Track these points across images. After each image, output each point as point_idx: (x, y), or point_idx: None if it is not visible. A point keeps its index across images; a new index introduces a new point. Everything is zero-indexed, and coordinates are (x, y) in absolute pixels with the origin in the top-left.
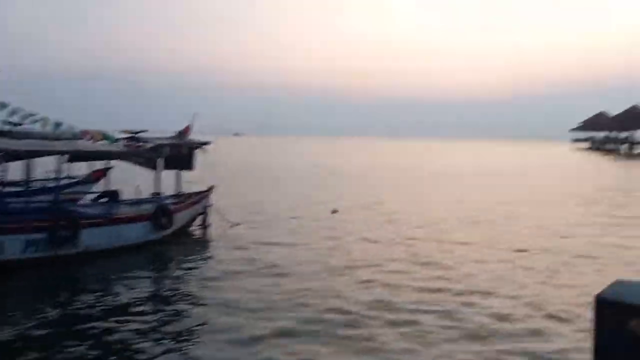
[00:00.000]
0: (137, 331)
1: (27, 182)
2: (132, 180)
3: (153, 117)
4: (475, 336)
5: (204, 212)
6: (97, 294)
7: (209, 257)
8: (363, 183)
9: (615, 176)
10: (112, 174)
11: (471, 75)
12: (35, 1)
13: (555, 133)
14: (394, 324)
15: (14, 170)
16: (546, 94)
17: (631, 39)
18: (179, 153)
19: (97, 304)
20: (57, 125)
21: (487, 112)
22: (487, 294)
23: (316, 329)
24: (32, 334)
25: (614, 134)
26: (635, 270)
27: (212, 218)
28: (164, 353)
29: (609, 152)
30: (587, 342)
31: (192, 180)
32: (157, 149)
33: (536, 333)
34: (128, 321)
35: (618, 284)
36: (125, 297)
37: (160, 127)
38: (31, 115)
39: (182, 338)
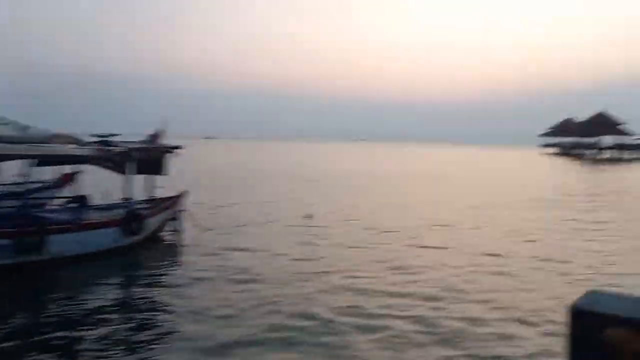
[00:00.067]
0: (105, 340)
1: None
2: (101, 185)
3: (125, 120)
4: (447, 341)
5: (175, 218)
6: (64, 301)
7: (180, 264)
8: (336, 187)
9: (582, 181)
10: (82, 179)
11: (441, 80)
12: None
13: (524, 138)
14: (365, 329)
15: None
16: (515, 100)
17: (600, 48)
18: (150, 157)
19: (64, 312)
20: (26, 128)
21: (457, 117)
22: (457, 298)
23: (287, 336)
24: None
25: (581, 140)
26: (602, 274)
27: (184, 223)
28: None
29: (576, 157)
30: (555, 346)
31: (163, 185)
32: (128, 153)
33: (506, 337)
34: (95, 330)
35: (592, 293)
36: (93, 304)
37: (132, 131)
38: None
39: (151, 347)
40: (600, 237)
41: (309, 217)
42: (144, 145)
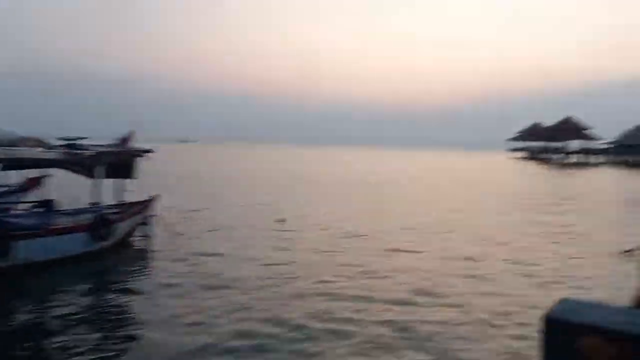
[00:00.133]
0: (72, 349)
1: None
2: (69, 189)
3: (94, 123)
4: (419, 345)
5: (146, 223)
6: (30, 309)
7: (150, 270)
8: (309, 191)
9: (550, 185)
10: (49, 183)
11: (412, 86)
12: None
13: (494, 143)
14: (338, 335)
15: None
16: (484, 105)
17: (567, 56)
18: (120, 161)
19: (30, 320)
20: None
21: (428, 123)
22: (429, 302)
23: (258, 343)
24: None
25: (549, 144)
26: (569, 277)
27: (155, 228)
28: None
29: (544, 161)
30: (524, 350)
31: (133, 189)
32: (97, 156)
33: (476, 341)
34: (62, 338)
35: (565, 302)
36: (60, 312)
37: (101, 134)
38: None
39: (119, 356)
40: (567, 240)
41: (282, 221)
42: (113, 149)
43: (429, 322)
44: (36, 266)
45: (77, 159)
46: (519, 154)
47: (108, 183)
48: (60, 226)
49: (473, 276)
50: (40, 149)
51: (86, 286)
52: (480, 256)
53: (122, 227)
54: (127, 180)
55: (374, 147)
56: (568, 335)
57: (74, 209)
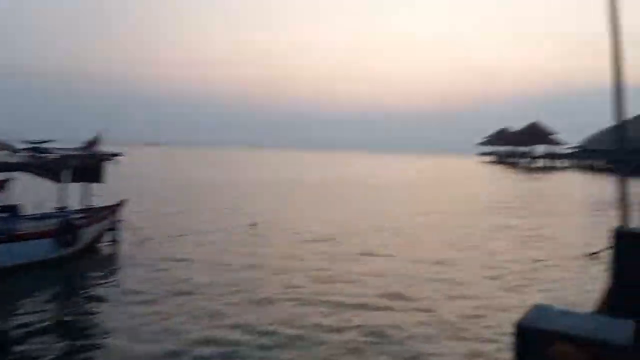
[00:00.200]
0: (33, 358)
1: None
2: (34, 194)
3: (60, 126)
4: (389, 352)
5: (113, 228)
6: None
7: (117, 276)
8: (281, 195)
9: (516, 188)
10: (13, 187)
11: (385, 90)
12: None
13: (464, 147)
14: (306, 341)
15: None
16: (456, 109)
17: (535, 62)
18: (87, 165)
19: None
20: None
21: (399, 126)
22: (399, 306)
23: (225, 351)
24: None
25: (516, 149)
26: (536, 280)
27: (123, 234)
28: None
29: (511, 165)
30: (489, 353)
31: (101, 194)
32: (63, 160)
33: (446, 345)
34: (24, 347)
35: (537, 309)
36: (23, 320)
37: (67, 137)
38: None
39: None
40: (535, 244)
41: (253, 225)
42: (80, 152)
43: (399, 327)
44: (1, 272)
45: (42, 162)
46: (488, 158)
47: (75, 187)
48: (26, 231)
49: (443, 280)
50: (3, 153)
51: (52, 292)
52: (450, 260)
53: (89, 233)
54: (95, 185)
55: (341, 151)
56: (539, 342)
57: (40, 214)
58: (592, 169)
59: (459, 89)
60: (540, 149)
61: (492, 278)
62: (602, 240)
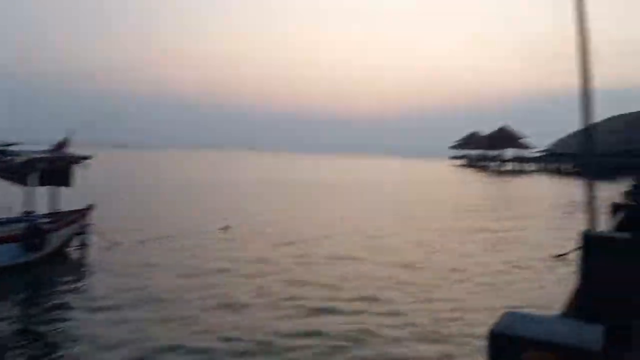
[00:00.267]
0: None
1: None
2: (0, 198)
3: (28, 127)
4: (356, 357)
5: (82, 232)
6: None
7: (85, 282)
8: (255, 197)
9: (487, 192)
10: None
11: (357, 95)
12: None
13: (435, 150)
14: (272, 346)
15: None
16: (428, 113)
17: (505, 68)
18: (55, 168)
19: None
20: None
21: (370, 129)
22: (368, 310)
23: (189, 359)
24: None
25: (486, 152)
26: (507, 283)
27: (92, 238)
28: None
29: (481, 168)
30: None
31: (70, 198)
32: (30, 163)
33: (416, 348)
34: None
35: (509, 316)
36: None
37: (35, 139)
38: None
39: None
40: (504, 246)
41: (225, 228)
42: (48, 155)
43: (370, 330)
44: None
45: (8, 165)
46: (459, 162)
47: (42, 191)
48: None
49: (413, 283)
50: None
51: (17, 299)
52: (419, 262)
53: (57, 237)
54: (63, 188)
55: (315, 154)
56: (513, 349)
57: (6, 218)
58: (560, 172)
59: (430, 93)
60: (509, 152)
61: (462, 280)
62: (569, 242)
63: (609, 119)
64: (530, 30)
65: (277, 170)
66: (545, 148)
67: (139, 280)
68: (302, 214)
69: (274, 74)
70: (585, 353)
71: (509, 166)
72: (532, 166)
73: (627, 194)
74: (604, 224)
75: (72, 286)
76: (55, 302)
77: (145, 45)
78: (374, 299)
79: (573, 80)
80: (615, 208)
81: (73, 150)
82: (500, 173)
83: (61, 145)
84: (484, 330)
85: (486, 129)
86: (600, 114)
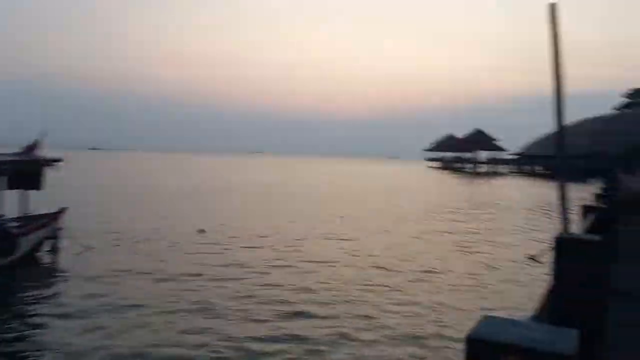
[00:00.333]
0: None
1: None
2: None
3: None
4: None
5: (53, 236)
6: None
7: (55, 288)
8: (231, 201)
9: (462, 193)
10: None
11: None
12: None
13: (412, 153)
14: (242, 352)
15: None
16: (403, 116)
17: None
18: (25, 170)
19: None
20: None
21: (348, 132)
22: (338, 314)
23: None
24: None
25: (461, 154)
26: (480, 284)
27: (63, 242)
28: None
29: (457, 170)
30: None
31: (40, 201)
32: None
33: (385, 351)
34: None
35: (487, 320)
36: None
37: (5, 140)
38: None
39: None
40: (477, 247)
41: (201, 232)
42: (18, 158)
43: (341, 334)
44: None
45: None
46: (435, 164)
47: (12, 194)
48: None
49: (384, 285)
50: None
51: None
52: (390, 265)
53: (27, 241)
54: (33, 191)
55: (289, 156)
56: (490, 354)
57: None
58: (532, 174)
59: (406, 96)
60: (484, 155)
61: (437, 282)
62: (543, 243)
63: (581, 122)
64: (506, 34)
65: (253, 174)
66: (519, 150)
67: (110, 285)
68: (277, 217)
69: (243, 74)
70: (559, 357)
71: (484, 168)
72: (506, 168)
73: (597, 196)
74: (577, 225)
75: (43, 292)
76: (24, 308)
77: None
78: (349, 302)
79: (543, 85)
80: (586, 210)
81: (44, 152)
82: (475, 175)
83: (32, 147)
84: (458, 330)
85: (461, 131)
86: (572, 116)
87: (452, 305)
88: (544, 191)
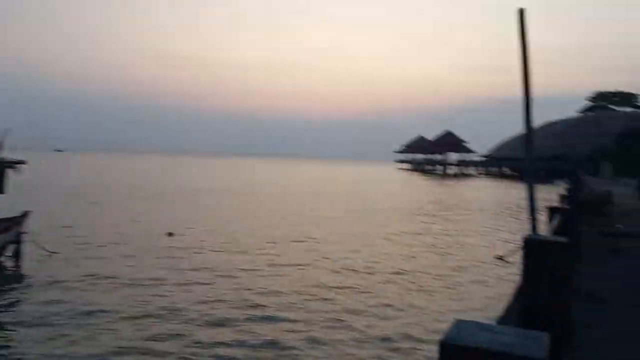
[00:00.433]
0: None
1: None
2: None
3: None
4: None
5: (17, 241)
6: None
7: (18, 295)
8: (200, 203)
9: (431, 195)
10: None
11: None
12: None
13: (382, 155)
14: (213, 358)
15: None
16: (373, 118)
17: (446, 73)
18: None
19: None
20: None
21: (317, 134)
22: (309, 318)
23: None
24: None
25: (432, 157)
26: (447, 284)
27: (27, 247)
28: None
29: (427, 172)
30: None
31: (2, 205)
32: None
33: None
34: None
35: (459, 324)
36: None
37: None
38: None
39: None
40: (448, 248)
41: (170, 235)
42: None
43: (315, 338)
44: None
45: None
46: (405, 166)
47: None
48: None
49: (354, 288)
50: None
51: None
52: (360, 267)
53: None
54: None
55: (259, 157)
56: (463, 359)
57: None
58: (501, 175)
59: (375, 99)
60: (453, 156)
61: (407, 283)
62: (511, 243)
63: (548, 124)
64: (475, 39)
65: (221, 176)
66: (487, 152)
67: (75, 291)
68: (247, 220)
69: (201, 73)
70: None
71: (453, 170)
72: (475, 170)
73: (563, 197)
74: (544, 226)
75: (3, 299)
76: None
77: (93, 43)
78: (319, 305)
79: (515, 88)
80: (552, 211)
81: (6, 154)
82: (445, 176)
83: None
84: (428, 332)
85: (431, 133)
86: (540, 119)
87: (421, 307)
88: (512, 192)
